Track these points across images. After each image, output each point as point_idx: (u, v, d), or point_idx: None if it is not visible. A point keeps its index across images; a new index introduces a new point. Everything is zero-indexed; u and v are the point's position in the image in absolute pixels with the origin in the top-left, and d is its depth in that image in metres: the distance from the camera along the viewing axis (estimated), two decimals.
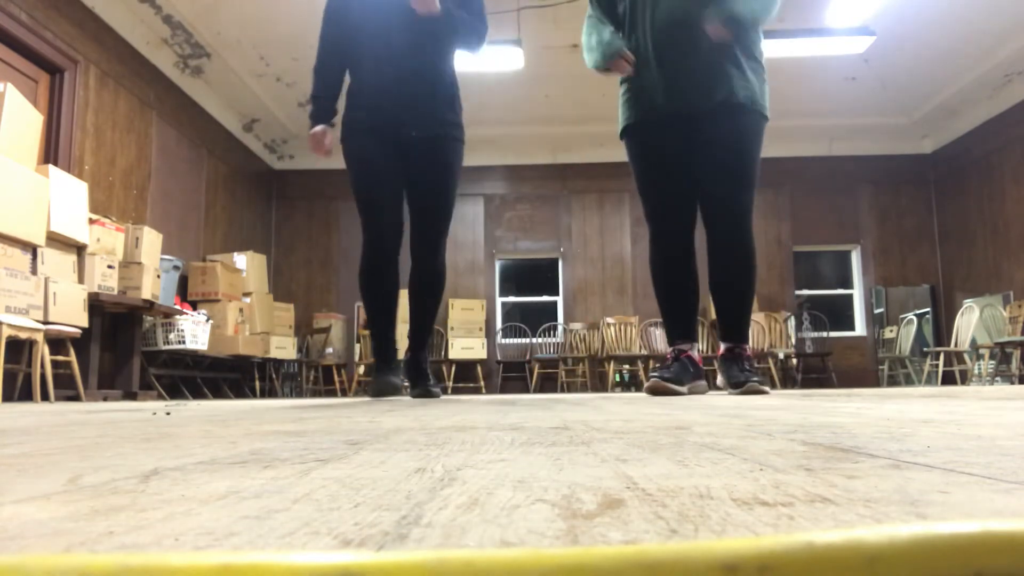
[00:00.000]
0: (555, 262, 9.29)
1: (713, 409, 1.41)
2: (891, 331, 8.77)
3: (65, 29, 5.39)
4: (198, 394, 6.76)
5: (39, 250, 4.38)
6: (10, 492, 0.42)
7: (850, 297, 9.28)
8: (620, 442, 0.69)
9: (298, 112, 8.32)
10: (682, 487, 0.40)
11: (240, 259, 7.59)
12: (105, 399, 4.93)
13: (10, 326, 3.88)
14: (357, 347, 8.88)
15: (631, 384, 8.44)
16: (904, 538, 0.17)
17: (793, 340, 8.52)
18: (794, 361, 8.47)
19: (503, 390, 8.62)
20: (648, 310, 8.62)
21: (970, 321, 7.53)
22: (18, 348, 4.39)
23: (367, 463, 0.54)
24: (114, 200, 5.99)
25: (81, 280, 4.79)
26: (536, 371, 8.54)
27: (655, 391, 2.70)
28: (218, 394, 7.21)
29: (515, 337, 8.99)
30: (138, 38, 6.29)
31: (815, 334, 8.78)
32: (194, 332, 5.97)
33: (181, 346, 5.91)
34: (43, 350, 4.21)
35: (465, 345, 8.56)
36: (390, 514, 0.33)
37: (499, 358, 8.80)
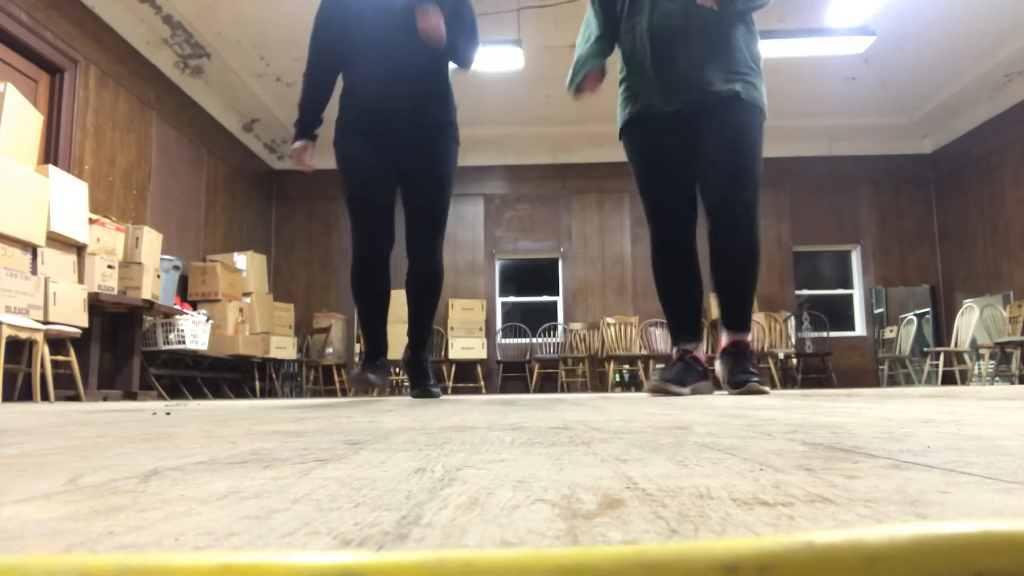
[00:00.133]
0: (555, 262, 9.29)
1: (713, 409, 1.41)
2: (891, 331, 8.77)
3: (65, 29, 5.39)
4: (198, 394, 6.76)
5: (39, 250, 4.38)
6: (10, 492, 0.42)
7: (850, 297, 9.28)
8: (620, 442, 0.69)
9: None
10: (682, 487, 0.40)
11: (240, 259, 7.59)
12: (105, 399, 4.93)
13: (10, 326, 3.88)
14: (357, 347, 8.88)
15: (631, 384, 8.44)
16: (904, 538, 0.17)
17: (793, 340, 8.52)
18: (794, 361, 8.47)
19: (503, 390, 8.62)
20: (648, 310, 8.62)
21: (970, 321, 7.53)
22: (18, 348, 4.39)
23: (367, 463, 0.54)
24: (114, 200, 5.99)
25: (81, 280, 4.79)
26: (536, 371, 8.54)
27: (655, 392, 2.70)
28: (218, 394, 7.21)
29: (515, 337, 8.99)
30: (138, 38, 6.29)
31: (815, 334, 8.78)
32: (194, 332, 5.97)
33: (181, 346, 5.91)
34: (43, 350, 4.21)
35: (465, 345, 8.56)
36: (390, 514, 0.33)
37: (499, 358, 8.80)
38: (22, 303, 4.07)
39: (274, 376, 8.02)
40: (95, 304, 4.85)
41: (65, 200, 4.65)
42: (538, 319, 9.08)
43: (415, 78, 2.89)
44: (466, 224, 9.19)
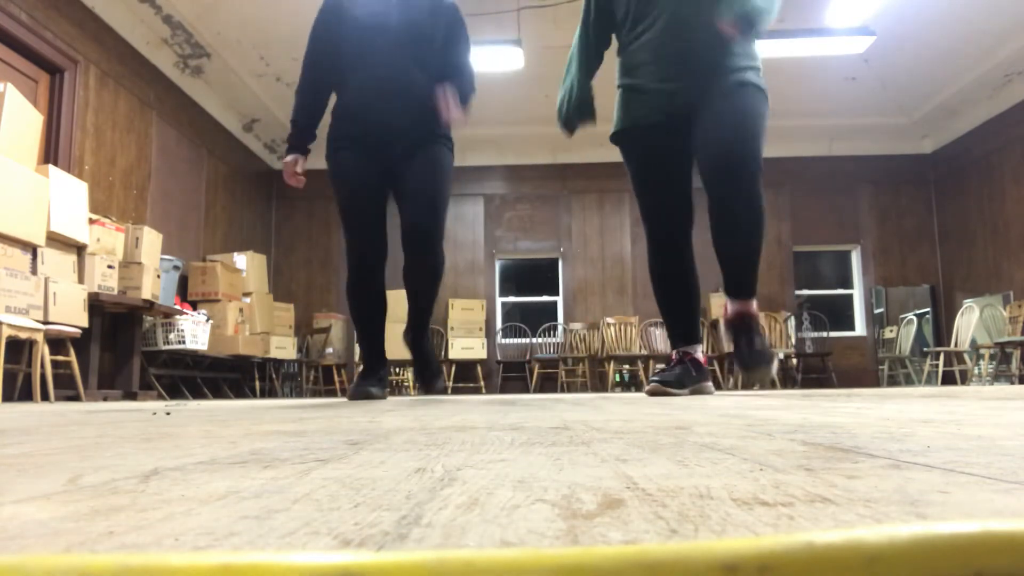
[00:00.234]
0: (555, 262, 9.29)
1: (713, 409, 1.41)
2: (891, 331, 8.77)
3: (65, 29, 5.39)
4: (198, 394, 6.76)
5: (39, 250, 4.38)
6: (10, 492, 0.42)
7: (850, 297, 9.28)
8: (620, 442, 0.69)
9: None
10: (682, 487, 0.40)
11: (240, 259, 7.60)
12: (105, 399, 4.93)
13: (10, 326, 3.88)
14: (357, 347, 8.87)
15: (631, 384, 8.44)
16: (904, 538, 0.17)
17: (793, 340, 8.52)
18: (794, 361, 8.47)
19: (503, 390, 8.62)
20: (648, 310, 8.62)
21: (970, 321, 7.53)
22: (18, 348, 4.39)
23: (367, 463, 0.54)
24: (114, 200, 5.99)
25: (81, 280, 4.79)
26: (536, 371, 8.54)
27: (654, 394, 2.68)
28: (218, 394, 7.21)
29: (515, 337, 8.99)
30: (138, 38, 6.29)
31: (815, 334, 8.78)
32: (194, 332, 5.97)
33: (181, 346, 5.91)
34: (43, 350, 4.21)
35: (465, 345, 8.57)
36: (390, 514, 0.33)
37: (499, 358, 8.80)
38: (22, 303, 4.07)
39: (274, 376, 8.02)
40: (95, 304, 4.85)
41: (65, 200, 4.65)
42: (538, 319, 9.08)
43: (408, 93, 2.89)
44: (466, 224, 9.19)
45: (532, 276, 9.56)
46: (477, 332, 8.62)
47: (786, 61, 6.77)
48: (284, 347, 7.82)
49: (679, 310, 2.87)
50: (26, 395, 4.51)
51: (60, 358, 4.51)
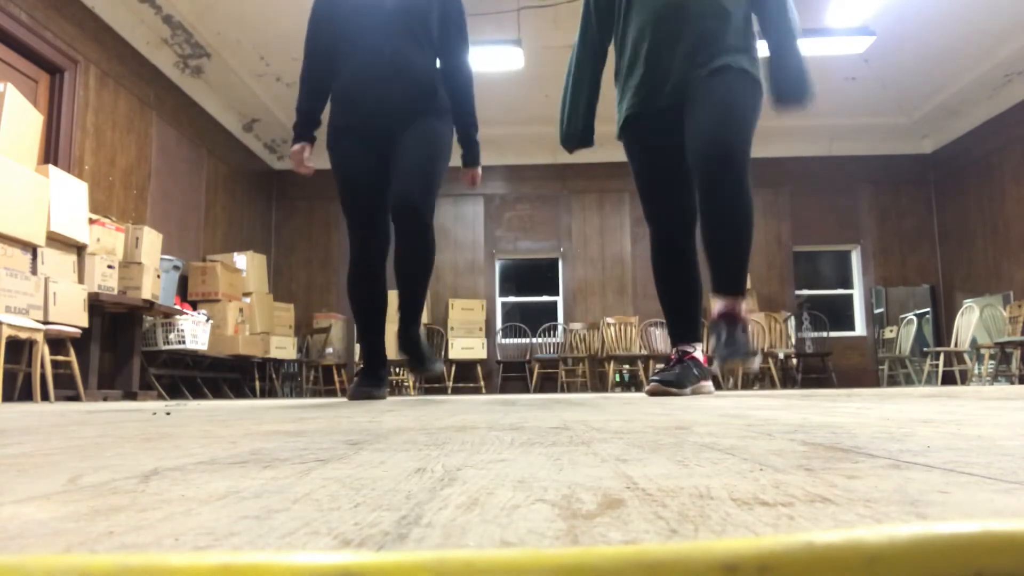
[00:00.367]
0: (555, 262, 9.29)
1: (713, 409, 1.41)
2: (891, 331, 8.77)
3: (65, 29, 5.39)
4: (198, 394, 6.76)
5: (39, 250, 4.38)
6: (10, 492, 0.42)
7: (850, 297, 9.28)
8: (620, 442, 0.69)
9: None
10: (682, 487, 0.40)
11: (240, 259, 7.60)
12: (105, 399, 4.93)
13: (10, 326, 3.88)
14: (357, 347, 8.87)
15: (631, 384, 8.44)
16: (904, 538, 0.17)
17: (793, 340, 8.52)
18: (794, 361, 8.47)
19: (503, 390, 8.62)
20: (648, 310, 8.62)
21: (970, 321, 7.53)
22: (18, 348, 4.39)
23: (367, 463, 0.54)
24: (114, 200, 5.99)
25: (81, 280, 4.80)
26: (536, 371, 8.54)
27: (654, 394, 2.66)
28: (218, 394, 7.21)
29: (515, 337, 8.99)
30: (138, 38, 6.29)
31: (815, 334, 8.78)
32: (194, 332, 5.97)
33: (181, 346, 5.91)
34: (43, 350, 4.21)
35: (465, 345, 8.57)
36: (390, 514, 0.33)
37: (499, 358, 8.80)
38: (22, 303, 4.07)
39: (274, 376, 8.02)
40: (95, 304, 4.85)
41: (65, 200, 4.65)
42: (538, 319, 9.08)
43: (403, 71, 2.87)
44: (466, 224, 9.19)
45: (532, 276, 9.56)
46: (477, 332, 8.62)
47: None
48: (284, 347, 7.82)
49: (680, 308, 2.87)
50: (26, 395, 4.51)
51: (60, 358, 4.51)
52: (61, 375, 4.67)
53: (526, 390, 8.53)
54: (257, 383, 7.61)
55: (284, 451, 0.65)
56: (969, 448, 0.57)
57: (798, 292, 9.06)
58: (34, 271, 4.31)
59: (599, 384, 8.61)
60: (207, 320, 6.28)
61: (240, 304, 7.18)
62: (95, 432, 0.99)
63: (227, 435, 0.88)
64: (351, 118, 2.92)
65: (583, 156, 9.05)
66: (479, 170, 3.16)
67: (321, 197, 9.13)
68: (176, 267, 6.41)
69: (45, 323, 4.22)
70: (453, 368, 8.52)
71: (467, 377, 8.68)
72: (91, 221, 5.00)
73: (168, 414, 1.67)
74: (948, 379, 8.08)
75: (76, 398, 4.64)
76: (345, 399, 3.42)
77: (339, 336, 8.85)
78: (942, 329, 8.89)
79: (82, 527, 0.31)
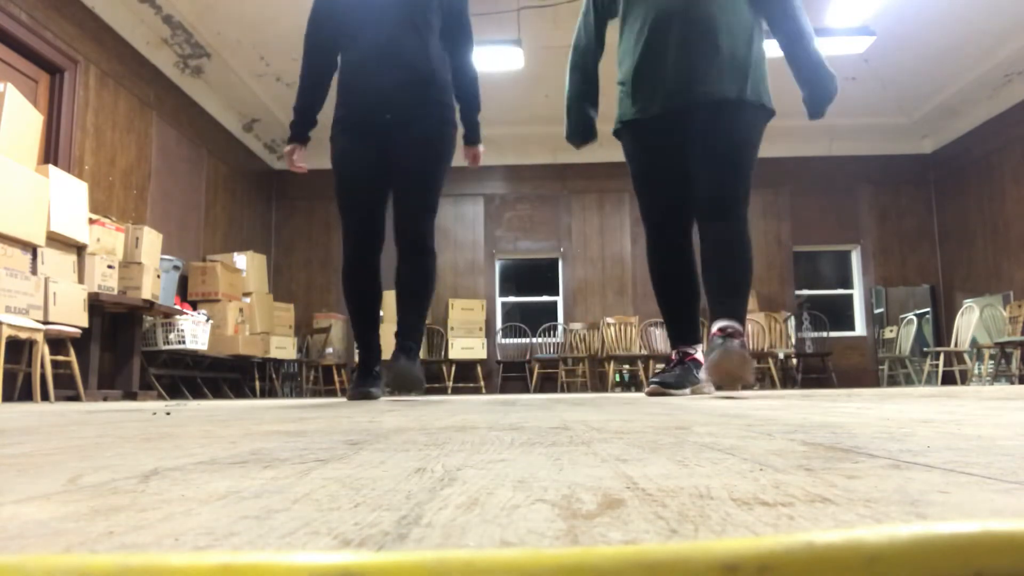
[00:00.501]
0: (555, 262, 9.29)
1: (713, 409, 1.41)
2: (891, 331, 8.77)
3: (65, 29, 5.39)
4: (198, 394, 6.76)
5: (39, 250, 4.38)
6: (10, 492, 0.42)
7: (850, 297, 9.28)
8: (620, 442, 0.69)
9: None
10: (682, 487, 0.40)
11: (240, 259, 7.60)
12: (105, 399, 4.93)
13: (10, 326, 3.88)
14: (356, 348, 8.88)
15: (631, 384, 8.44)
16: (904, 538, 0.17)
17: (793, 340, 8.53)
18: (794, 361, 8.47)
19: (503, 390, 8.62)
20: (648, 310, 8.62)
21: (970, 321, 7.53)
22: (18, 348, 4.39)
23: (367, 463, 0.54)
24: (114, 200, 5.99)
25: (81, 280, 4.80)
26: (536, 371, 8.54)
27: (653, 395, 2.66)
28: (218, 394, 7.21)
29: (515, 337, 8.99)
30: (138, 38, 6.29)
31: (815, 334, 8.78)
32: (194, 332, 5.97)
33: (181, 346, 5.91)
34: (43, 350, 4.21)
35: (465, 345, 8.57)
36: (390, 514, 0.33)
37: (499, 358, 8.80)
38: (22, 303, 4.07)
39: (274, 376, 8.02)
40: (95, 304, 4.85)
41: (65, 200, 4.65)
42: (538, 319, 9.08)
43: (402, 64, 2.85)
44: (466, 224, 9.19)
45: (532, 276, 9.56)
46: (477, 332, 8.62)
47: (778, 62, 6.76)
48: (284, 347, 7.82)
49: (679, 310, 2.86)
50: (26, 395, 4.51)
51: (60, 358, 4.51)
52: (61, 375, 4.67)
53: (526, 390, 8.53)
54: (257, 383, 7.61)
55: (284, 451, 0.65)
56: (969, 448, 0.57)
57: (798, 292, 9.06)
58: (34, 271, 4.31)
59: (599, 384, 8.61)
60: (207, 320, 6.28)
61: (240, 304, 7.18)
62: (95, 432, 0.99)
63: (227, 435, 0.88)
64: (350, 110, 2.91)
65: (583, 156, 9.06)
66: (481, 148, 3.18)
67: (321, 197, 9.13)
68: (176, 267, 6.41)
69: (45, 323, 4.22)
70: (453, 368, 8.52)
71: (467, 377, 8.68)
72: (91, 221, 5.00)
73: (168, 414, 1.67)
74: (948, 379, 8.08)
75: (76, 398, 4.64)
76: (345, 399, 3.41)
77: (339, 336, 8.84)
78: (942, 329, 8.89)
79: (82, 527, 0.31)
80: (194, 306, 6.66)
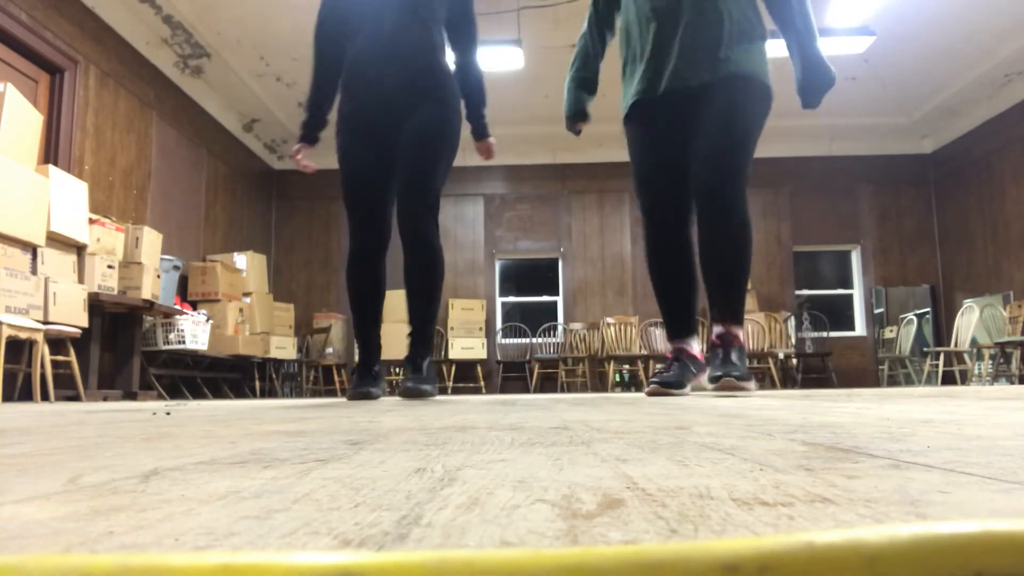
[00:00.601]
0: (555, 262, 9.29)
1: (713, 409, 1.41)
2: (891, 331, 8.77)
3: (65, 29, 5.39)
4: (198, 394, 6.76)
5: (39, 250, 4.38)
6: (10, 492, 0.42)
7: (850, 297, 9.28)
8: (620, 442, 0.69)
9: (298, 112, 8.31)
10: (682, 487, 0.40)
11: (240, 259, 7.60)
12: (105, 399, 4.93)
13: (10, 326, 3.88)
14: (357, 347, 8.88)
15: (631, 384, 8.44)
16: (904, 538, 0.17)
17: (793, 340, 8.53)
18: (794, 361, 8.47)
19: (503, 390, 8.62)
20: (648, 310, 8.62)
21: (970, 321, 7.53)
22: (18, 348, 4.39)
23: (367, 463, 0.54)
24: (114, 200, 5.99)
25: (81, 280, 4.80)
26: (536, 371, 8.54)
27: (653, 395, 2.66)
28: (218, 394, 7.21)
29: (515, 337, 8.99)
30: (138, 38, 6.29)
31: (815, 334, 8.78)
32: (194, 332, 5.97)
33: (181, 346, 5.91)
34: (43, 350, 4.21)
35: (465, 345, 8.57)
36: (390, 514, 0.33)
37: (499, 358, 8.80)
38: (22, 303, 4.07)
39: (274, 376, 8.02)
40: (95, 304, 4.85)
41: (65, 200, 4.65)
42: (538, 319, 9.08)
43: (403, 56, 2.83)
44: (466, 224, 9.19)
45: (532, 276, 9.56)
46: (477, 332, 8.62)
47: (786, 61, 6.75)
48: (284, 347, 7.82)
49: (677, 304, 2.82)
50: (26, 395, 4.51)
51: (60, 358, 4.51)
52: (61, 375, 4.67)
53: (526, 390, 8.53)
54: (257, 383, 7.61)
55: (284, 451, 0.65)
56: (969, 448, 0.57)
57: (798, 292, 9.06)
58: (34, 271, 4.31)
59: (599, 384, 8.61)
60: (207, 320, 6.28)
61: (240, 304, 7.18)
62: (95, 432, 0.99)
63: (227, 435, 0.88)
64: (353, 107, 2.90)
65: (583, 156, 9.07)
66: (492, 140, 3.14)
67: (321, 197, 9.13)
68: (176, 267, 6.41)
69: (45, 323, 4.22)
70: (453, 368, 8.52)
71: (467, 377, 8.68)
72: (91, 221, 5.00)
73: (168, 414, 1.67)
74: (948, 379, 8.08)
75: (76, 398, 4.64)
76: (345, 399, 3.41)
77: (339, 336, 8.85)
78: (942, 329, 8.89)
79: (82, 527, 0.31)
80: (194, 306, 6.66)
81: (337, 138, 2.96)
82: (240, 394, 7.48)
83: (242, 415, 1.50)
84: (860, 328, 9.13)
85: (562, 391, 8.26)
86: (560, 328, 8.97)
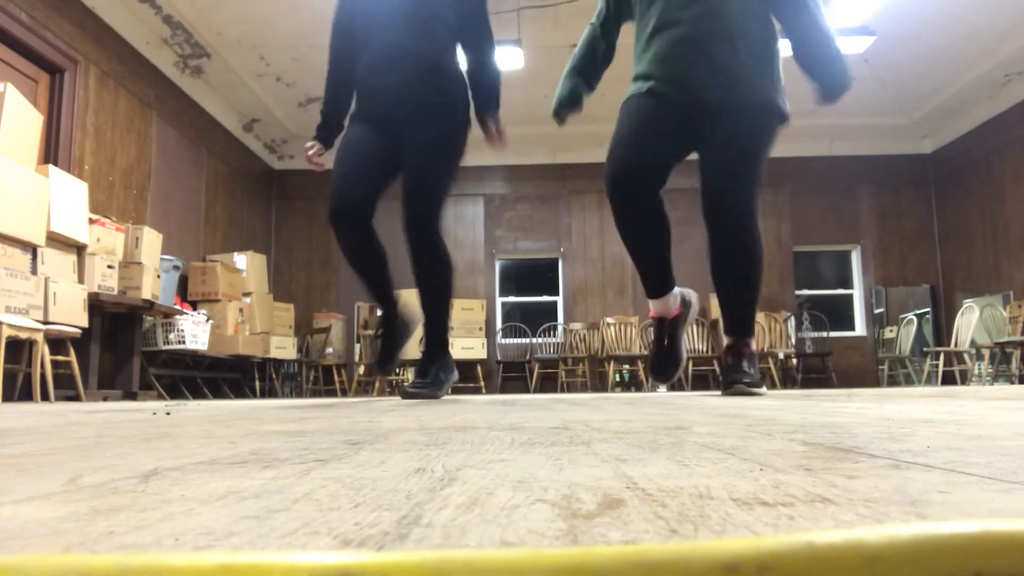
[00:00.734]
0: (555, 262, 9.29)
1: (713, 409, 1.41)
2: (891, 331, 8.77)
3: (65, 29, 5.39)
4: (198, 394, 6.76)
5: (39, 250, 4.38)
6: (10, 492, 0.42)
7: (850, 297, 9.28)
8: (620, 442, 0.69)
9: (298, 112, 8.32)
10: (682, 487, 0.40)
11: (240, 259, 7.60)
12: (105, 399, 4.93)
13: (10, 326, 3.88)
14: (357, 347, 8.88)
15: (631, 384, 8.44)
16: (904, 538, 0.17)
17: (793, 340, 8.53)
18: (794, 361, 8.47)
19: (503, 390, 8.62)
20: (648, 310, 8.62)
21: (970, 321, 7.53)
22: (18, 348, 4.39)
23: (367, 463, 0.54)
24: (114, 200, 5.99)
25: (81, 280, 4.80)
26: (536, 371, 8.54)
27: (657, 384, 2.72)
28: (218, 394, 7.21)
29: (515, 337, 8.99)
30: (138, 38, 6.29)
31: (815, 334, 8.78)
32: (194, 332, 5.97)
33: (181, 346, 5.91)
34: (43, 350, 4.21)
35: (465, 345, 8.57)
36: (390, 514, 0.33)
37: (499, 358, 8.80)
38: (22, 303, 4.07)
39: (274, 376, 8.02)
40: (95, 304, 4.85)
41: (65, 200, 4.65)
42: (538, 319, 9.08)
43: (409, 61, 2.81)
44: (466, 224, 9.20)
45: (532, 276, 9.56)
46: (477, 332, 8.62)
47: (786, 61, 6.75)
48: (284, 347, 7.82)
49: (650, 256, 2.75)
50: (26, 395, 4.51)
51: (60, 358, 4.51)
52: (61, 375, 4.67)
53: (526, 390, 8.53)
54: (257, 383, 7.61)
55: (284, 451, 0.65)
56: (969, 448, 0.57)
57: (798, 292, 9.06)
58: (34, 271, 4.31)
59: (599, 384, 8.61)
60: (207, 320, 6.28)
61: (240, 304, 7.18)
62: (95, 432, 0.99)
63: (227, 435, 0.88)
64: (363, 107, 2.90)
65: (583, 156, 9.07)
66: (505, 130, 3.06)
67: (321, 197, 9.09)
68: (176, 267, 6.41)
69: (45, 323, 4.22)
70: None
71: (467, 377, 8.68)
72: (91, 221, 5.00)
73: (168, 414, 1.67)
74: (948, 379, 8.08)
75: (76, 398, 4.64)
76: (344, 399, 3.41)
77: (339, 336, 8.85)
78: (942, 329, 8.89)
79: (82, 527, 0.31)
80: (194, 306, 6.66)
81: (346, 130, 2.95)
82: (240, 394, 7.48)
83: (242, 415, 1.50)
84: (860, 328, 9.13)
85: (562, 391, 8.26)
86: (560, 328, 8.97)
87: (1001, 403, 1.47)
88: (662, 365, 2.83)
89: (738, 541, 0.17)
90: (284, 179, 9.35)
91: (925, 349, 8.65)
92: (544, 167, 9.24)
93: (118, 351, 5.58)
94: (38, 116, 4.54)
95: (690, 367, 8.21)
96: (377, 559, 0.17)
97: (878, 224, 9.11)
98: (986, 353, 7.51)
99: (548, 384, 8.71)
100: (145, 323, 5.82)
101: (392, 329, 2.98)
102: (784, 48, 2.77)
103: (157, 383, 6.02)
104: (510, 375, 8.82)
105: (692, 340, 8.29)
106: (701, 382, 8.40)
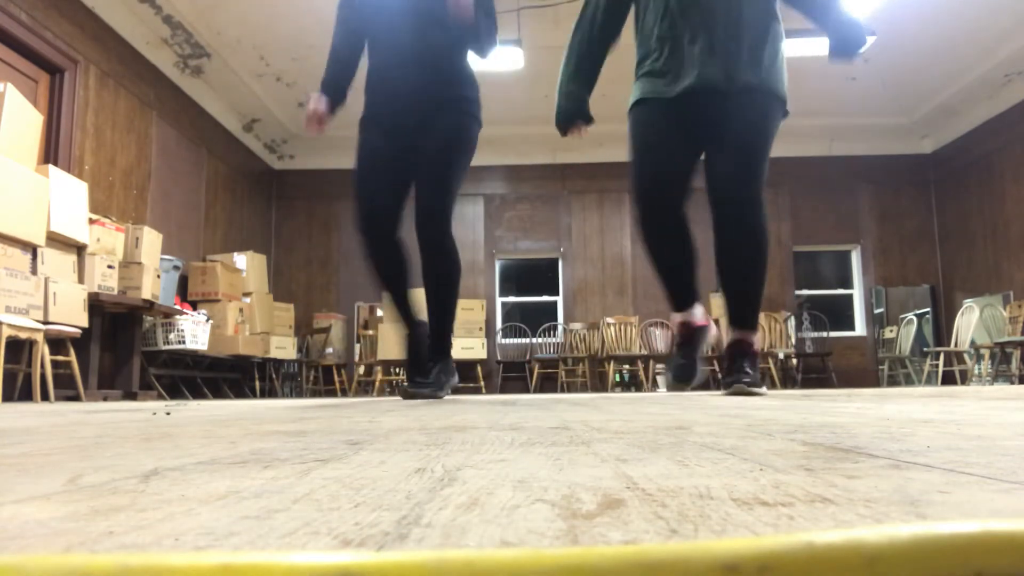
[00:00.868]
0: (555, 262, 9.29)
1: (713, 409, 1.41)
2: (891, 331, 8.77)
3: (65, 29, 5.39)
4: (198, 394, 6.76)
5: (39, 250, 4.38)
6: (10, 492, 0.42)
7: (850, 297, 9.28)
8: (620, 442, 0.69)
9: (298, 112, 8.32)
10: (682, 487, 0.40)
11: (240, 259, 7.60)
12: (105, 399, 4.93)
13: (10, 326, 3.88)
14: (357, 347, 8.88)
15: (631, 384, 8.44)
16: (904, 538, 0.17)
17: (793, 340, 8.52)
18: (794, 361, 8.47)
19: (503, 390, 8.62)
20: (648, 310, 8.62)
21: (970, 321, 7.53)
22: (18, 348, 4.39)
23: (367, 463, 0.54)
24: (114, 200, 5.99)
25: (81, 280, 4.80)
26: (536, 371, 8.54)
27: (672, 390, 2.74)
28: (218, 394, 7.21)
29: (515, 337, 8.99)
30: (138, 38, 6.29)
31: (815, 334, 8.78)
32: (194, 332, 5.97)
33: (181, 346, 5.91)
34: (43, 350, 4.21)
35: (465, 345, 8.56)
36: (390, 514, 0.33)
37: (499, 358, 8.80)
38: (22, 303, 4.07)
39: (274, 376, 8.02)
40: (95, 304, 4.85)
41: (65, 200, 4.65)
42: (538, 319, 9.08)
43: (422, 61, 2.80)
44: (466, 224, 9.19)
45: (532, 276, 9.56)
46: (477, 332, 8.62)
47: (786, 61, 6.76)
48: (284, 347, 7.82)
49: (677, 273, 2.77)
50: (26, 395, 4.51)
51: (60, 358, 4.51)
52: (61, 375, 4.66)
53: (526, 390, 8.53)
54: (257, 383, 7.61)
55: (284, 451, 0.65)
56: (969, 448, 0.57)
57: (798, 292, 9.06)
58: (34, 271, 4.31)
59: (599, 384, 8.61)
60: (207, 320, 6.28)
61: (240, 304, 7.18)
62: (95, 432, 0.99)
63: (227, 435, 0.88)
64: (375, 108, 2.88)
65: (583, 156, 9.06)
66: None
67: (321, 197, 9.14)
68: (176, 267, 6.41)
69: (45, 323, 4.22)
70: None
71: (467, 377, 8.67)
72: (91, 221, 5.00)
73: (168, 414, 1.67)
74: (948, 379, 8.07)
75: (76, 398, 4.64)
76: (344, 399, 3.41)
77: (339, 336, 8.85)
78: (942, 329, 8.89)
79: (82, 527, 0.31)
80: (194, 306, 6.66)
81: (360, 130, 2.92)
82: (240, 394, 7.48)
83: (242, 415, 1.50)
84: (860, 328, 9.13)
85: (562, 391, 8.26)
86: (560, 328, 8.97)
87: (1001, 403, 1.47)
88: (685, 370, 2.82)
89: (738, 541, 0.17)
90: (284, 179, 9.34)
91: (925, 349, 8.65)
92: (544, 167, 9.24)
93: (118, 351, 5.58)
94: (38, 116, 4.54)
95: None
96: (377, 559, 0.17)
97: (878, 224, 9.11)
98: (986, 353, 7.50)
99: (548, 384, 8.71)
100: (145, 323, 5.82)
101: (417, 341, 2.96)
102: (786, 49, 2.76)
103: (157, 383, 6.02)
104: (510, 375, 8.82)
105: None
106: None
